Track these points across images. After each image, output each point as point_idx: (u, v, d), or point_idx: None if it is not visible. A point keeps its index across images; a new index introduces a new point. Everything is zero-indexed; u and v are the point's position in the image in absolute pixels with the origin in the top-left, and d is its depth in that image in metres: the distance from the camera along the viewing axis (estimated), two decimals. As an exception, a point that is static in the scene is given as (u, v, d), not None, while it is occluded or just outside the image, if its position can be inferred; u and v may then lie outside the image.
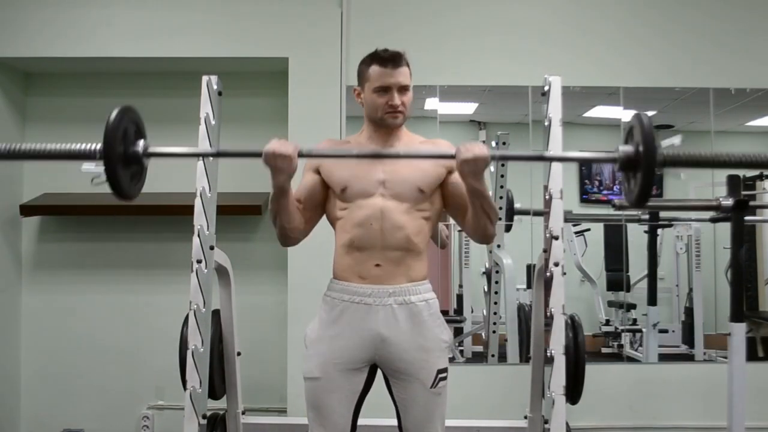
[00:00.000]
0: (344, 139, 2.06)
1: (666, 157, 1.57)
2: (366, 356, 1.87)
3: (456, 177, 1.85)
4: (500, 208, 3.61)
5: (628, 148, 1.54)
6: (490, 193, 3.60)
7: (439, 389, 1.88)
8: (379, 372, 1.93)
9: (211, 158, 2.51)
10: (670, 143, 1.64)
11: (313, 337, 1.92)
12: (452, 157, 1.69)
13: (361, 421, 1.94)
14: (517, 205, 3.58)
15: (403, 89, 1.87)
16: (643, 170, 1.49)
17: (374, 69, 1.86)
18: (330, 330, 1.88)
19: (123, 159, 1.56)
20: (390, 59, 1.85)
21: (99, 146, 1.56)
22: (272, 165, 1.68)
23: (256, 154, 1.69)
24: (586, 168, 3.91)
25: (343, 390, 1.87)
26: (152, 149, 1.63)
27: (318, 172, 1.94)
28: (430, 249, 1.98)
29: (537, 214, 3.44)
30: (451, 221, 2.42)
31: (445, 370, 1.89)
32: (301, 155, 1.71)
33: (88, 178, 1.61)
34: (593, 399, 2.93)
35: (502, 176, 3.58)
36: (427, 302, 1.89)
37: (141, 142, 1.62)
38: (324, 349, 1.88)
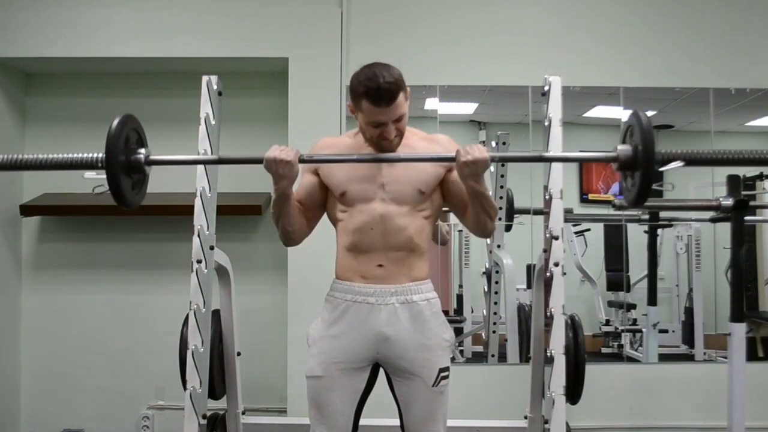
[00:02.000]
0: (345, 134, 2.02)
1: (664, 155, 1.57)
2: (368, 355, 1.87)
3: (455, 175, 1.85)
4: (500, 208, 3.61)
5: (626, 148, 1.53)
6: (490, 192, 3.62)
7: (441, 387, 1.88)
8: (381, 371, 1.93)
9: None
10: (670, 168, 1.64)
11: (315, 336, 1.92)
12: (452, 159, 1.72)
13: (362, 421, 1.94)
14: (517, 205, 3.58)
15: (398, 120, 1.81)
16: (641, 169, 1.48)
17: (367, 105, 1.76)
18: (332, 329, 1.89)
19: (125, 167, 1.57)
20: (383, 98, 1.74)
21: (101, 155, 1.56)
22: (273, 171, 1.73)
23: (257, 161, 1.72)
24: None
25: (345, 389, 1.87)
26: (153, 157, 1.63)
27: (317, 173, 1.93)
28: (431, 249, 1.98)
29: (537, 213, 3.44)
30: (451, 218, 2.41)
31: (447, 368, 1.90)
32: (302, 161, 1.74)
33: (90, 182, 1.62)
34: (593, 399, 2.93)
35: (502, 176, 3.58)
36: (429, 301, 1.90)
37: (142, 150, 1.63)
38: (326, 348, 1.88)
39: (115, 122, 1.56)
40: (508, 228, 3.58)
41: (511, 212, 3.57)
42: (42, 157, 1.62)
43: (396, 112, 1.78)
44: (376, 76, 1.74)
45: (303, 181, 1.95)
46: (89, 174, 1.61)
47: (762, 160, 1.68)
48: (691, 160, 1.61)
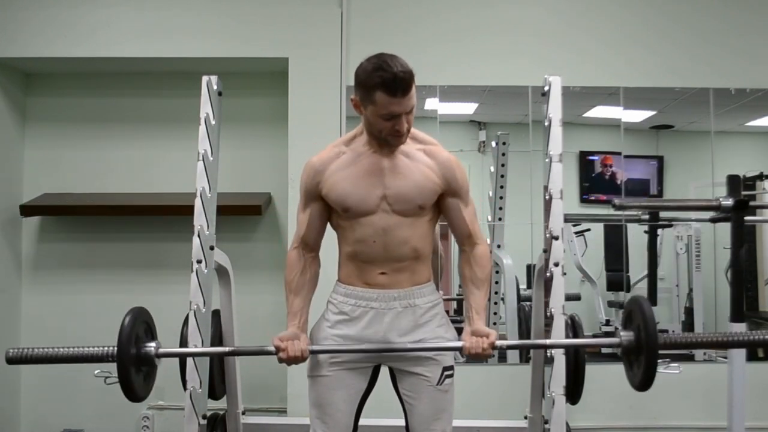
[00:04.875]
0: (332, 145, 1.93)
1: (667, 340, 1.59)
2: (371, 356, 1.88)
3: (450, 202, 1.88)
4: (500, 209, 3.61)
5: (630, 335, 1.53)
6: (490, 193, 3.62)
7: (446, 386, 1.89)
8: (384, 371, 1.93)
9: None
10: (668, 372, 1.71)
11: (318, 336, 1.92)
12: (459, 349, 1.79)
13: (363, 421, 1.95)
14: (517, 205, 3.58)
15: (410, 111, 1.76)
16: (646, 356, 1.49)
17: (382, 96, 1.69)
18: (335, 330, 1.89)
19: (135, 361, 1.60)
20: (399, 87, 1.68)
21: (112, 349, 1.61)
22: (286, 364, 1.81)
23: (270, 353, 1.78)
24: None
25: (346, 389, 1.88)
26: (164, 350, 1.68)
27: (319, 197, 1.88)
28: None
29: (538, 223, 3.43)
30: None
31: (451, 367, 1.90)
32: (312, 353, 1.82)
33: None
34: (593, 399, 2.93)
35: (502, 176, 3.58)
36: (431, 303, 1.90)
37: (152, 344, 1.69)
38: (328, 347, 1.88)
39: (127, 318, 1.61)
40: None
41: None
42: (51, 351, 1.68)
43: (410, 102, 1.73)
44: (389, 65, 1.68)
45: (309, 215, 1.91)
46: (99, 372, 1.67)
47: (750, 342, 1.73)
48: (693, 345, 1.67)
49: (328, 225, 1.97)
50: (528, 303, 3.48)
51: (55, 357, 1.66)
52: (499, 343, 1.74)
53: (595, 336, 3.86)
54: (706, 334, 1.69)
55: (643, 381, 1.54)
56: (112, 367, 1.71)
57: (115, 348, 1.57)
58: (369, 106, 1.75)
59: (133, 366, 1.58)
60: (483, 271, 1.86)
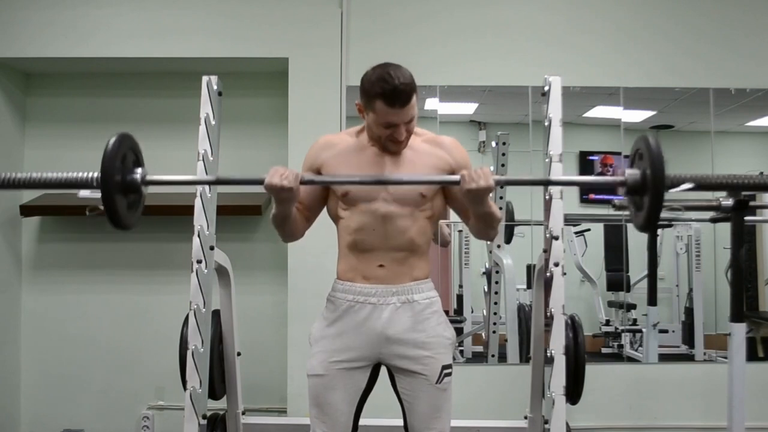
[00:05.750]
0: (345, 132, 2.00)
1: (673, 179, 1.53)
2: (370, 355, 1.88)
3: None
4: (500, 208, 3.60)
5: (635, 172, 1.49)
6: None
7: (445, 385, 1.89)
8: (383, 371, 1.93)
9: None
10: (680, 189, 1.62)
11: (317, 335, 1.93)
12: (456, 183, 1.73)
13: (363, 421, 1.95)
14: (517, 204, 3.58)
15: (409, 121, 1.80)
16: (650, 194, 1.44)
17: (381, 106, 1.75)
18: (334, 328, 1.89)
19: (121, 187, 1.54)
20: (398, 100, 1.73)
21: (96, 174, 1.53)
22: (275, 196, 1.74)
23: (257, 182, 1.71)
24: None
25: (346, 388, 1.88)
26: (150, 177, 1.60)
27: (318, 173, 1.92)
28: (431, 249, 1.99)
29: (538, 224, 3.43)
30: (452, 216, 2.40)
31: (449, 366, 1.91)
32: (303, 183, 1.74)
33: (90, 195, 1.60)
34: (593, 399, 2.93)
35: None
36: (430, 300, 1.91)
37: (139, 170, 1.60)
38: (328, 347, 1.89)
39: (112, 141, 1.53)
40: (508, 240, 3.57)
41: (511, 232, 3.59)
42: (36, 176, 1.58)
43: (409, 114, 1.78)
44: (391, 77, 1.73)
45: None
46: (84, 193, 1.59)
47: (760, 185, 1.66)
48: (701, 184, 1.60)
49: (328, 226, 1.97)
50: (528, 303, 3.48)
51: (37, 182, 1.59)
52: (496, 177, 1.70)
53: (595, 336, 3.87)
54: (715, 175, 1.61)
55: (646, 220, 1.47)
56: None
57: (99, 174, 1.51)
58: (370, 113, 1.81)
59: (119, 192, 1.53)
60: (492, 222, 1.86)
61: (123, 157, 1.55)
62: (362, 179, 1.83)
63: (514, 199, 3.59)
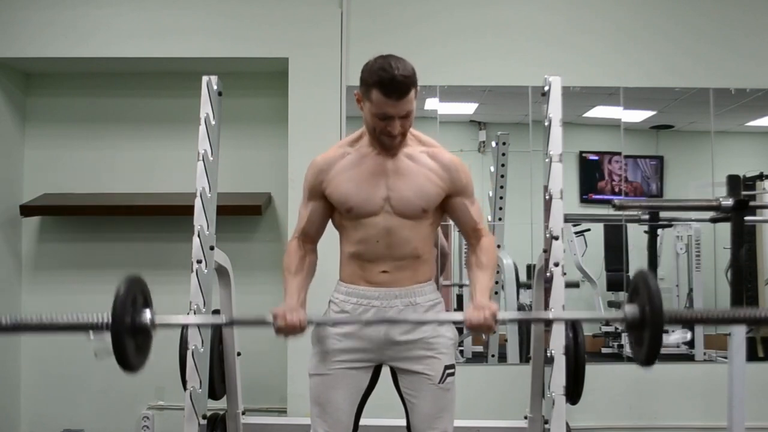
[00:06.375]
0: (337, 145, 1.95)
1: (672, 315, 1.57)
2: (372, 356, 1.88)
3: (456, 202, 1.88)
4: (500, 209, 3.61)
5: (635, 310, 1.54)
6: (490, 193, 3.62)
7: (448, 385, 1.89)
8: (385, 371, 1.93)
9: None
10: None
11: (320, 334, 1.92)
12: (459, 322, 1.75)
13: (364, 421, 1.95)
14: (516, 205, 3.58)
15: (405, 116, 1.77)
16: (649, 330, 1.48)
17: (378, 95, 1.72)
18: (336, 329, 1.89)
19: (130, 330, 1.57)
20: (395, 90, 1.70)
21: (106, 319, 1.57)
22: (283, 335, 1.73)
23: (267, 323, 1.70)
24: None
25: (347, 387, 1.88)
26: (160, 320, 1.63)
27: (322, 195, 1.89)
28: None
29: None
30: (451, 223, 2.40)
31: (452, 366, 1.90)
32: (310, 323, 1.74)
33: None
34: (593, 399, 2.93)
35: (502, 176, 3.58)
36: (432, 302, 1.91)
37: (148, 312, 1.63)
38: (331, 346, 1.89)
39: (122, 286, 1.57)
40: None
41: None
42: (45, 320, 1.63)
43: (405, 107, 1.75)
44: (391, 67, 1.71)
45: (310, 212, 1.92)
46: (94, 338, 1.62)
47: (753, 319, 1.70)
48: (699, 321, 1.63)
49: (330, 225, 1.97)
50: (528, 303, 3.48)
51: (48, 326, 1.62)
52: (500, 315, 1.71)
53: (595, 336, 3.87)
54: (710, 310, 1.65)
55: (648, 356, 1.52)
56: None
57: (110, 316, 1.53)
58: (367, 103, 1.78)
59: (129, 335, 1.55)
60: (488, 257, 1.87)
61: (133, 299, 1.59)
62: (370, 320, 1.84)
63: (515, 198, 3.59)
